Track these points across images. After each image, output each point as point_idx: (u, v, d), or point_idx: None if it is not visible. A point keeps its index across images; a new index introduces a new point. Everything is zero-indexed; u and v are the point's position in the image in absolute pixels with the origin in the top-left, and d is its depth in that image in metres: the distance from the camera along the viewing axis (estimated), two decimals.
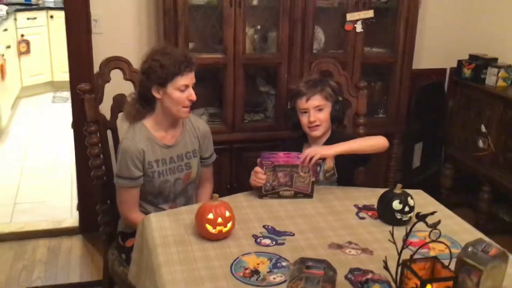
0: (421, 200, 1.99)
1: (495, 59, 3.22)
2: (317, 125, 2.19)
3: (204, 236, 1.69)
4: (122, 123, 2.15)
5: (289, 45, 2.83)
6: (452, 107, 3.44)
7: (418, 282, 1.23)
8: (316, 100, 2.18)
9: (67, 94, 6.06)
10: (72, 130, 3.14)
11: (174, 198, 2.13)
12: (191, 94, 1.98)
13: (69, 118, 3.12)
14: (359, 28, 2.90)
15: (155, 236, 1.71)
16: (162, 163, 2.06)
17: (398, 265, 1.30)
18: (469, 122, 3.26)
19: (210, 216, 1.66)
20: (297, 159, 2.01)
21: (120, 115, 2.30)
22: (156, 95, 1.98)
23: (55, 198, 3.66)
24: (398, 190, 1.82)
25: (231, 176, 2.94)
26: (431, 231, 1.30)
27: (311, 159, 1.97)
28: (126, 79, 2.33)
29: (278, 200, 2.00)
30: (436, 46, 3.43)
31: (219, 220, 1.66)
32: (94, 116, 2.22)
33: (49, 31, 6.13)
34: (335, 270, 1.38)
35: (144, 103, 2.03)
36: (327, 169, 2.18)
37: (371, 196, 2.04)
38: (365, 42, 2.95)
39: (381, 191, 2.06)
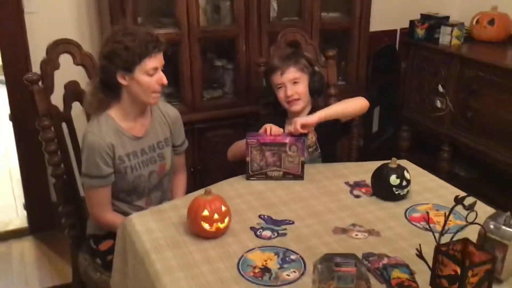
0: (410, 171, 1.92)
1: (447, 17, 3.21)
2: (295, 99, 2.07)
3: (200, 235, 1.54)
4: (82, 115, 1.91)
5: (246, 15, 2.66)
6: (405, 69, 3.43)
7: (458, 269, 1.15)
8: (291, 73, 2.06)
9: None
10: (10, 123, 2.83)
11: (148, 193, 1.95)
12: (161, 77, 1.79)
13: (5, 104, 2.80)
14: None
15: (144, 240, 1.53)
16: (133, 157, 1.86)
17: (436, 253, 1.21)
18: (424, 83, 3.26)
19: (206, 212, 1.51)
20: (284, 138, 1.89)
21: (74, 104, 2.07)
22: (122, 81, 1.76)
23: None
24: (393, 164, 1.75)
25: (194, 158, 2.77)
26: (468, 213, 1.22)
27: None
28: (76, 63, 2.08)
29: (264, 184, 1.87)
30: (385, 7, 3.37)
31: (216, 216, 1.51)
32: (46, 108, 1.97)
33: None
34: (363, 263, 1.28)
35: (107, 91, 1.81)
36: (309, 144, 2.08)
37: (359, 171, 1.97)
38: (322, 7, 2.83)
39: (367, 165, 2.00)
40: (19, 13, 2.61)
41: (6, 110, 2.80)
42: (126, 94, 1.80)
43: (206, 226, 1.51)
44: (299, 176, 1.91)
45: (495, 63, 2.78)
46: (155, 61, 1.75)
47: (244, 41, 2.69)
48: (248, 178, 1.89)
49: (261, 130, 1.94)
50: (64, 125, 2.07)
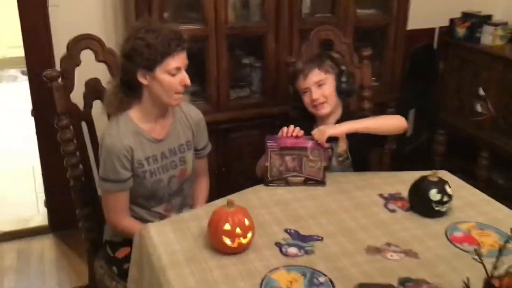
0: (450, 183, 1.77)
1: (489, 16, 3.02)
2: (321, 103, 1.94)
3: (221, 250, 1.42)
4: (103, 114, 1.82)
5: (276, 10, 2.53)
6: (443, 70, 3.25)
7: None
8: (315, 75, 1.94)
9: (14, 71, 5.56)
10: (32, 118, 2.77)
11: (169, 199, 1.85)
12: (184, 77, 1.68)
13: (22, 100, 2.73)
14: None
15: (161, 253, 1.43)
16: (153, 161, 1.76)
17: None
18: (464, 85, 3.08)
19: (227, 226, 1.39)
20: (306, 141, 1.77)
21: (95, 103, 1.98)
22: (143, 81, 1.66)
23: (17, 193, 3.28)
24: (434, 177, 1.60)
25: (218, 160, 2.65)
26: None
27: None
28: (98, 60, 1.99)
29: (290, 192, 1.75)
30: (424, 4, 3.19)
31: (238, 230, 1.40)
32: (65, 107, 1.88)
33: None
34: None
35: (128, 91, 1.71)
36: (340, 153, 1.94)
37: (394, 182, 1.82)
38: (357, 4, 2.68)
39: (403, 175, 1.87)
40: (43, 6, 2.54)
41: (29, 104, 2.74)
42: (147, 94, 1.70)
43: (227, 241, 1.40)
44: (321, 182, 1.80)
45: None
46: (178, 61, 1.64)
47: (274, 38, 2.56)
48: (267, 184, 1.78)
49: (279, 134, 1.83)
50: (84, 124, 1.99)
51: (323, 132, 1.77)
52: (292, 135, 1.79)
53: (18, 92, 2.59)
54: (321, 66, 1.94)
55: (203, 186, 1.98)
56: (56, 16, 2.58)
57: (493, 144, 2.91)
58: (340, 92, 1.97)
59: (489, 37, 2.91)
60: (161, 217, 1.83)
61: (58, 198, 2.86)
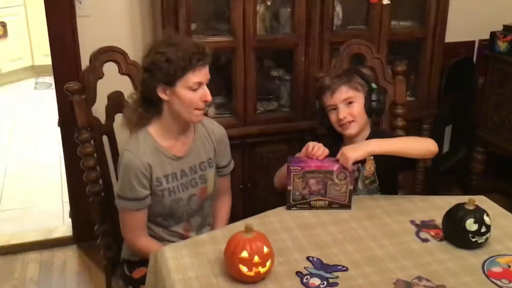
0: (489, 211, 1.64)
1: None
2: (349, 122, 1.83)
3: (237, 278, 1.34)
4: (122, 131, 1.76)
5: (307, 23, 2.44)
6: (483, 85, 3.09)
7: None
8: (343, 92, 1.83)
9: (49, 79, 5.61)
10: (59, 128, 2.75)
11: (188, 218, 1.78)
12: (205, 93, 1.61)
13: (54, 108, 2.72)
14: (386, 0, 2.50)
15: (175, 280, 1.35)
16: (172, 179, 1.69)
17: None
18: (504, 101, 2.92)
19: (244, 254, 1.31)
20: (331, 164, 1.67)
21: (117, 116, 1.93)
22: (163, 96, 1.60)
23: (44, 202, 3.28)
24: (470, 205, 1.48)
25: (244, 175, 2.58)
26: None
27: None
28: (122, 73, 1.94)
29: (315, 216, 1.65)
30: (464, 16, 3.04)
31: (256, 259, 1.31)
32: (86, 121, 1.84)
33: (26, 10, 5.61)
34: None
35: (148, 106, 1.65)
36: (366, 176, 1.84)
37: (427, 207, 1.71)
38: (392, 15, 2.57)
39: (437, 200, 1.75)
40: (71, 16, 2.52)
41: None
42: (167, 110, 1.64)
43: (244, 269, 1.31)
44: (346, 206, 1.70)
45: None
46: (199, 76, 1.57)
47: (304, 51, 2.47)
48: (289, 208, 1.69)
49: (303, 150, 1.73)
50: (105, 138, 1.94)
51: (346, 157, 1.67)
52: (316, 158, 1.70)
53: (52, 99, 2.60)
54: (350, 83, 1.83)
55: (225, 205, 1.91)
56: (85, 27, 2.56)
57: None
58: (370, 111, 1.85)
59: None
60: (181, 237, 1.76)
61: (83, 209, 2.82)
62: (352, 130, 1.82)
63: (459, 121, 3.10)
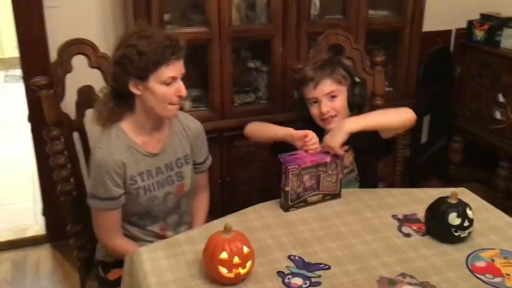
0: (470, 203, 1.62)
1: (510, 18, 2.84)
2: (332, 116, 1.78)
3: (217, 280, 1.29)
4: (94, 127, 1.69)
5: (283, 12, 2.38)
6: (460, 74, 3.08)
7: None
8: (327, 85, 1.77)
9: (20, 72, 5.46)
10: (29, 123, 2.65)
11: (164, 217, 1.71)
12: (180, 88, 1.54)
13: (24, 102, 2.62)
14: None
15: (151, 283, 1.30)
16: (147, 176, 1.63)
17: None
18: (482, 91, 2.91)
19: (224, 255, 1.26)
20: (324, 157, 1.63)
21: (89, 112, 1.85)
22: (135, 91, 1.53)
23: (15, 200, 3.18)
24: (453, 199, 1.45)
25: (222, 169, 2.52)
26: None
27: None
28: (92, 66, 1.86)
29: (296, 213, 1.61)
30: (440, 4, 3.02)
31: (236, 260, 1.26)
32: (55, 117, 1.75)
33: None
34: None
35: (119, 101, 1.58)
36: (344, 165, 1.80)
37: (409, 201, 1.68)
38: (369, 5, 2.53)
39: (418, 193, 1.72)
40: (39, 7, 2.42)
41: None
42: (140, 105, 1.57)
43: (224, 271, 1.26)
44: (337, 195, 1.68)
45: None
46: (173, 70, 1.50)
47: (281, 42, 2.42)
48: (286, 210, 1.62)
49: (300, 134, 1.67)
50: (76, 134, 1.86)
51: (332, 147, 1.63)
52: (308, 151, 1.65)
53: (21, 93, 2.51)
54: (333, 75, 1.77)
55: (202, 202, 1.85)
56: (53, 18, 2.46)
57: None
58: (352, 105, 1.81)
59: (510, 41, 2.74)
60: (157, 236, 1.70)
61: (56, 207, 2.74)
62: (334, 124, 1.76)
63: (438, 111, 3.09)
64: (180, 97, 1.55)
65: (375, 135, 1.74)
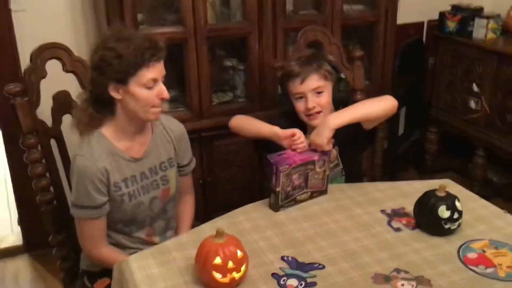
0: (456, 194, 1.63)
1: (481, 9, 2.89)
2: (317, 112, 1.77)
3: (211, 286, 1.26)
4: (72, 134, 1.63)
5: (259, 9, 2.36)
6: (433, 65, 3.12)
7: None
8: (313, 81, 1.76)
9: None
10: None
11: (150, 223, 1.68)
12: (161, 90, 1.50)
13: None
14: None
15: None
16: (132, 182, 1.59)
17: None
18: (456, 81, 2.95)
19: (218, 260, 1.23)
20: (312, 154, 1.61)
21: (66, 118, 1.80)
22: (115, 95, 1.48)
23: None
24: (441, 192, 1.46)
25: (202, 170, 2.49)
26: None
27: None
28: (66, 71, 1.80)
29: (284, 213, 1.59)
30: None
31: (230, 264, 1.24)
32: (31, 125, 1.69)
33: None
34: None
35: (99, 107, 1.53)
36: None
37: (395, 195, 1.68)
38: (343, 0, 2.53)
39: (404, 186, 1.73)
40: (6, 11, 2.33)
41: None
42: (121, 110, 1.52)
43: (218, 276, 1.24)
44: (323, 192, 1.67)
45: None
46: (154, 72, 1.46)
47: (257, 39, 2.39)
48: (277, 210, 1.60)
49: (287, 133, 1.66)
50: (53, 142, 1.80)
51: (319, 145, 1.62)
52: (296, 150, 1.64)
53: None
54: (319, 70, 1.76)
55: (188, 206, 1.82)
56: (21, 22, 2.39)
57: (488, 142, 2.79)
58: (337, 101, 1.81)
59: (482, 31, 2.78)
60: (144, 242, 1.66)
61: (33, 215, 2.66)
62: (319, 120, 1.76)
63: (413, 102, 3.12)
64: (162, 99, 1.51)
65: (358, 127, 1.74)
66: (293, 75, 1.77)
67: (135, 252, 1.61)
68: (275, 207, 1.59)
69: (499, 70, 2.67)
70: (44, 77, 1.75)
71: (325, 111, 1.78)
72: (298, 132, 1.65)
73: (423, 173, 3.31)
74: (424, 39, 3.21)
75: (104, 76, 1.45)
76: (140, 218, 1.63)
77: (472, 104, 2.84)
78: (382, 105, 1.73)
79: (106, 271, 1.62)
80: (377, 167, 2.88)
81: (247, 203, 2.65)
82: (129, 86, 1.46)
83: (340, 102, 1.81)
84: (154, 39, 1.48)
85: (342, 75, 1.83)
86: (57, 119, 1.80)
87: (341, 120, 1.64)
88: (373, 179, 2.41)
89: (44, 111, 1.78)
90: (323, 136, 1.61)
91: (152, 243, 1.67)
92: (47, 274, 2.54)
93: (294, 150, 1.64)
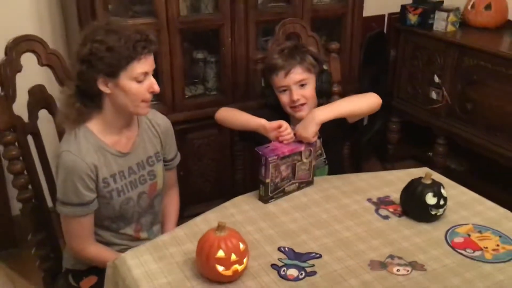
0: None
1: (441, 2, 3.00)
2: (302, 104, 1.80)
3: (214, 279, 1.27)
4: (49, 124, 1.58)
5: (231, 2, 2.35)
6: (395, 57, 3.20)
7: None
8: (298, 73, 1.79)
9: None
10: None
11: (138, 218, 1.65)
12: (152, 83, 1.48)
13: None
14: None
15: None
16: (120, 177, 1.56)
17: None
18: (417, 73, 3.05)
19: (221, 253, 1.23)
20: (299, 145, 1.64)
21: (42, 114, 1.74)
22: (104, 89, 1.45)
23: None
24: (427, 179, 1.52)
25: None
26: None
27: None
28: (42, 64, 1.74)
29: (275, 204, 1.61)
30: None
31: (233, 257, 1.24)
32: (9, 120, 1.63)
33: None
34: None
35: (86, 101, 1.49)
36: None
37: (379, 184, 1.73)
38: None
39: (386, 175, 1.79)
40: None
41: None
42: (109, 104, 1.49)
43: (221, 269, 1.24)
44: (310, 182, 1.70)
45: (498, 52, 2.58)
46: (145, 65, 1.44)
47: (230, 31, 2.39)
48: (266, 202, 1.61)
49: (273, 125, 1.67)
50: (30, 138, 1.74)
51: (306, 137, 1.65)
52: (283, 142, 1.66)
53: None
54: (303, 63, 1.79)
55: (173, 200, 1.81)
56: None
57: (449, 131, 2.91)
58: (320, 93, 1.84)
59: (442, 23, 2.88)
60: (131, 239, 1.64)
61: None
62: (304, 112, 1.79)
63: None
64: (152, 92, 1.49)
65: (342, 120, 1.78)
66: (277, 68, 1.79)
67: (123, 249, 1.60)
68: (265, 199, 1.61)
69: (458, 61, 2.78)
70: (19, 70, 1.68)
71: (309, 102, 1.81)
72: (284, 123, 1.67)
73: (385, 162, 3.41)
74: (385, 31, 3.29)
75: (93, 69, 1.41)
76: (129, 214, 1.61)
77: (434, 94, 2.94)
78: (367, 102, 1.79)
79: (92, 269, 1.59)
80: (346, 158, 2.96)
81: (219, 196, 2.67)
82: (119, 79, 1.43)
83: (323, 93, 1.85)
84: (145, 31, 1.46)
85: (325, 67, 1.86)
86: (33, 114, 1.73)
87: (328, 115, 1.68)
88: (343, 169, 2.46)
89: (20, 107, 1.71)
90: (310, 130, 1.64)
91: (139, 239, 1.65)
92: (15, 275, 2.45)
93: (280, 141, 1.66)
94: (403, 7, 3.05)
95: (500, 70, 2.57)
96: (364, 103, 1.79)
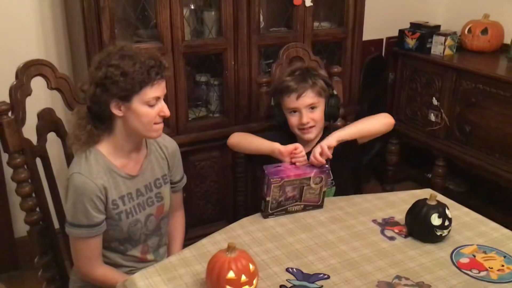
0: None
1: (438, 26, 3.06)
2: (310, 127, 1.84)
3: None
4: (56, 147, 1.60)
5: (234, 26, 2.41)
6: (393, 80, 3.26)
7: None
8: (309, 97, 1.84)
9: None
10: None
11: (145, 240, 1.67)
12: (163, 108, 1.52)
13: None
14: (308, 2, 2.54)
15: None
16: (128, 199, 1.58)
17: None
18: (415, 95, 3.10)
19: (231, 274, 1.25)
20: (309, 171, 1.66)
21: (50, 136, 1.76)
22: (117, 112, 1.48)
23: None
24: (432, 201, 1.54)
25: None
26: None
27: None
28: (51, 88, 1.77)
29: (280, 225, 1.63)
30: (371, 15, 3.18)
31: (243, 278, 1.26)
32: (18, 143, 1.65)
33: None
34: None
35: (97, 123, 1.52)
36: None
37: (383, 205, 1.76)
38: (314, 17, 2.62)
39: (390, 196, 1.81)
40: None
41: None
42: (120, 127, 1.52)
43: None
44: (319, 206, 1.72)
45: (496, 75, 2.64)
46: (157, 90, 1.48)
47: (233, 55, 2.43)
48: (266, 217, 1.65)
49: (289, 148, 1.71)
50: (38, 160, 1.76)
51: (323, 143, 1.70)
52: (293, 163, 1.69)
53: None
54: (315, 87, 1.84)
55: (179, 222, 1.82)
56: None
57: (447, 153, 2.94)
58: (328, 116, 1.89)
59: (440, 48, 2.95)
60: (137, 260, 1.66)
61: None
62: (312, 134, 1.84)
63: None
64: (163, 117, 1.52)
65: (352, 141, 1.82)
66: (289, 90, 1.84)
67: (129, 270, 1.61)
68: (265, 214, 1.65)
69: (456, 84, 2.83)
70: (29, 94, 1.71)
71: (318, 125, 1.85)
72: (300, 146, 1.71)
73: (385, 183, 3.44)
74: (383, 55, 3.35)
75: (107, 93, 1.44)
76: (136, 236, 1.62)
77: (432, 117, 2.99)
78: (383, 122, 1.86)
79: None
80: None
81: (221, 218, 2.68)
82: (132, 103, 1.46)
83: (330, 117, 1.90)
84: (158, 57, 1.49)
85: (334, 91, 1.91)
86: (42, 137, 1.75)
87: (347, 134, 1.75)
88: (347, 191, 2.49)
89: (29, 130, 1.73)
90: (329, 141, 1.71)
91: (146, 261, 1.66)
92: None
93: (293, 163, 1.69)
94: (401, 31, 3.11)
95: (497, 92, 2.63)
96: (379, 124, 1.85)
